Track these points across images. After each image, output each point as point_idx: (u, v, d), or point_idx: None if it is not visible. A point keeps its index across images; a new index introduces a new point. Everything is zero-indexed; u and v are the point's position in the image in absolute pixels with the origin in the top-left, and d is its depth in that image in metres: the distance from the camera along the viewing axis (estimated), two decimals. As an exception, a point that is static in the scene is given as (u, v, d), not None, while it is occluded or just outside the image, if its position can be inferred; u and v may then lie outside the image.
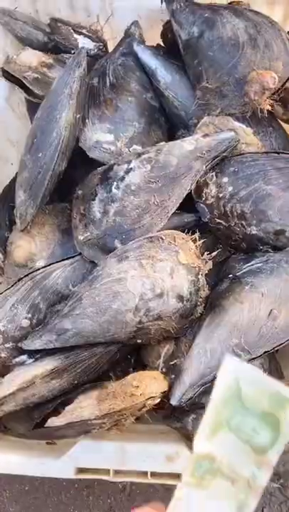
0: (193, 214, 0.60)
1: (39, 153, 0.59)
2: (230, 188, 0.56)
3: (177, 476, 0.52)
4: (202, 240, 0.56)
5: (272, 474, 0.48)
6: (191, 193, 0.58)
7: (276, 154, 0.57)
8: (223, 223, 0.57)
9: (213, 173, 0.57)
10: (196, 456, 0.35)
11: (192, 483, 0.35)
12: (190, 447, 0.53)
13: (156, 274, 0.53)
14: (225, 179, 0.57)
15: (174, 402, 0.51)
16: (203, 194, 0.58)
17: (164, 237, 0.54)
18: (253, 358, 0.52)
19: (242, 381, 0.35)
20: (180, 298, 0.54)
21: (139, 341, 0.55)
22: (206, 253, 0.57)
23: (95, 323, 0.53)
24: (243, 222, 0.56)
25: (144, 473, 0.52)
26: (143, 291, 0.52)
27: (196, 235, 0.56)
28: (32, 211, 0.59)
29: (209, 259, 0.57)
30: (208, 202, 0.58)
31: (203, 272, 0.56)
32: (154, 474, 0.52)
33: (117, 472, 0.52)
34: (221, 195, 0.57)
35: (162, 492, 0.70)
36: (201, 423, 0.35)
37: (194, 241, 0.56)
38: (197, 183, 0.58)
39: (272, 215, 0.55)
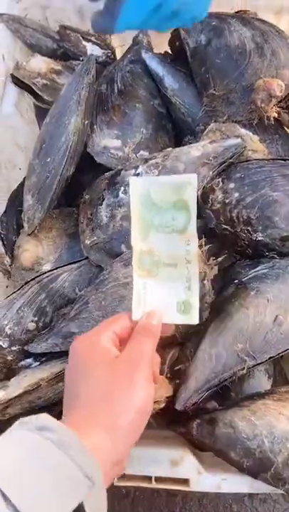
0: (199, 220, 0.60)
1: (47, 158, 0.60)
2: (236, 194, 0.57)
3: (182, 481, 0.52)
4: (208, 246, 0.56)
5: (276, 480, 0.48)
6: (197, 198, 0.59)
7: (283, 161, 0.57)
8: (229, 229, 0.58)
9: (220, 179, 0.58)
10: (137, 253, 0.44)
11: (144, 275, 0.44)
12: (194, 453, 0.53)
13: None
14: (231, 185, 0.57)
15: (178, 406, 0.51)
16: (210, 200, 0.58)
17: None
18: (258, 364, 0.52)
19: (150, 188, 0.43)
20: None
21: None
22: (211, 258, 0.57)
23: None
24: (249, 228, 0.56)
25: (149, 478, 0.52)
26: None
27: (202, 241, 0.56)
28: (40, 215, 0.60)
29: (215, 265, 0.57)
30: (214, 208, 0.58)
31: (208, 277, 0.56)
32: (158, 479, 0.52)
33: (121, 476, 0.52)
34: (227, 201, 0.57)
35: (166, 498, 0.70)
36: (131, 230, 0.43)
37: (200, 246, 0.56)
38: (203, 188, 0.58)
39: (279, 222, 0.56)
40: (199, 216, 0.60)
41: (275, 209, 0.56)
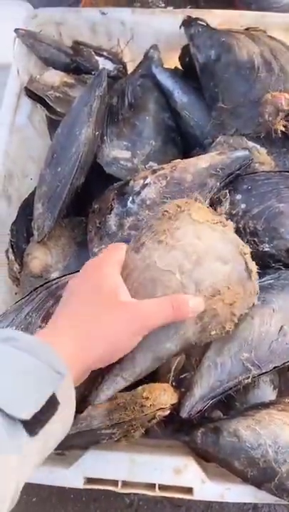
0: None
1: (58, 168, 0.61)
2: (243, 206, 0.57)
3: (185, 490, 0.52)
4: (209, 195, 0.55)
5: (280, 490, 0.48)
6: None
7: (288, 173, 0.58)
8: (236, 240, 0.58)
9: (227, 191, 0.58)
10: None
11: None
12: (198, 461, 0.53)
13: (181, 241, 0.47)
14: (238, 196, 0.58)
15: (183, 414, 0.51)
16: (217, 211, 0.59)
17: (168, 209, 0.50)
18: (263, 373, 0.52)
19: None
20: (222, 259, 0.48)
21: (212, 333, 0.48)
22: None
23: None
24: (256, 239, 0.57)
25: (152, 486, 0.52)
26: (179, 264, 0.46)
27: (196, 194, 0.53)
28: (49, 223, 0.61)
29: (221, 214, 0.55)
30: (221, 218, 0.59)
31: (229, 226, 0.51)
32: (161, 487, 0.52)
33: (124, 484, 0.52)
34: (234, 212, 0.58)
35: (170, 508, 0.70)
36: None
37: (199, 201, 0.52)
38: (211, 199, 0.59)
39: (285, 233, 0.56)
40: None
41: (281, 220, 0.56)
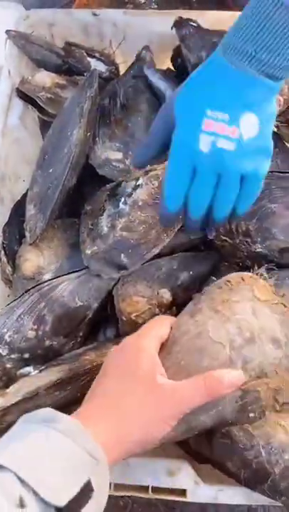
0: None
1: (50, 169, 0.61)
2: (235, 206, 0.57)
3: (179, 492, 0.52)
4: (274, 275, 0.53)
5: (273, 491, 0.48)
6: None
7: (281, 173, 0.58)
8: (229, 240, 0.58)
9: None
10: None
11: None
12: (192, 463, 0.53)
13: (238, 315, 0.47)
14: (230, 197, 0.58)
15: None
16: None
17: (230, 280, 0.50)
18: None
19: None
20: (276, 342, 0.47)
21: (251, 415, 0.47)
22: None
23: None
24: (248, 240, 0.57)
25: (145, 488, 0.52)
26: (231, 338, 0.46)
27: (263, 270, 0.52)
28: (41, 225, 0.61)
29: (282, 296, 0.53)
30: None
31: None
32: (155, 489, 0.52)
33: (118, 486, 0.52)
34: (226, 212, 0.58)
35: (164, 510, 0.69)
36: None
37: (264, 278, 0.52)
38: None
39: (277, 233, 0.56)
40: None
41: (273, 221, 0.56)
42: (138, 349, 0.45)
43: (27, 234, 0.63)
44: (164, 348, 0.47)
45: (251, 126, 0.44)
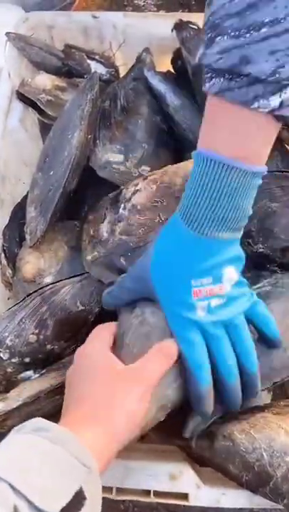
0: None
1: (50, 172, 0.61)
2: (235, 208, 0.57)
3: (181, 496, 0.51)
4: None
5: (275, 494, 0.48)
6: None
7: (279, 173, 0.58)
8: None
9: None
10: None
11: None
12: (194, 467, 0.53)
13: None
14: (230, 199, 0.57)
15: (187, 434, 0.51)
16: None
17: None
18: (263, 390, 0.52)
19: None
20: None
21: None
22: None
23: None
24: (250, 241, 0.57)
25: (147, 492, 0.52)
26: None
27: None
28: (42, 227, 0.61)
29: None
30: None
31: None
32: (156, 493, 0.52)
33: (119, 490, 0.52)
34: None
35: (165, 514, 0.69)
36: None
37: None
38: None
39: (279, 232, 0.56)
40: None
41: (275, 220, 0.56)
42: (90, 352, 0.48)
43: (27, 236, 0.63)
44: (115, 347, 0.50)
45: (232, 275, 0.47)
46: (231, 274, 0.47)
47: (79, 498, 0.35)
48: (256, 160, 0.43)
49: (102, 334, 0.50)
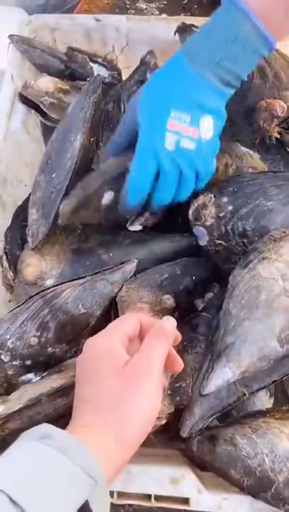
0: (193, 238, 0.61)
1: (53, 174, 0.61)
2: (230, 207, 0.57)
3: (182, 500, 0.51)
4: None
5: (276, 500, 0.48)
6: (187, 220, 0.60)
7: (273, 173, 0.59)
8: (224, 244, 0.58)
9: (211, 195, 0.58)
10: None
11: None
12: (195, 471, 0.53)
13: (284, 256, 0.53)
14: (224, 199, 0.58)
15: (184, 434, 0.51)
16: (202, 216, 0.58)
17: (273, 234, 0.55)
18: (262, 388, 0.52)
19: None
20: None
21: None
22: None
23: (253, 321, 0.50)
24: (245, 240, 0.57)
25: (148, 497, 0.52)
26: (282, 273, 0.51)
27: None
28: (44, 229, 0.60)
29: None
30: (207, 223, 0.58)
31: None
32: (158, 498, 0.51)
33: (120, 494, 0.52)
34: (221, 214, 0.57)
35: (165, 519, 0.69)
36: None
37: None
38: (196, 206, 0.59)
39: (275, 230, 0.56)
40: (188, 231, 0.61)
41: (270, 218, 0.56)
42: (101, 347, 0.43)
43: (29, 239, 0.62)
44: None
45: (208, 128, 0.51)
46: (209, 123, 0.51)
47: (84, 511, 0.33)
48: (275, 32, 0.48)
49: (122, 327, 0.45)
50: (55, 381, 0.54)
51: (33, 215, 0.62)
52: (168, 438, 0.55)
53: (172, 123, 0.50)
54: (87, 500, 0.33)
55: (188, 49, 0.50)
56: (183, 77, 0.49)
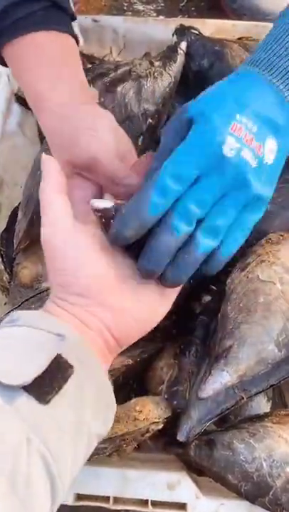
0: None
1: (38, 172, 0.60)
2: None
3: (179, 506, 0.51)
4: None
5: (274, 505, 0.48)
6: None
7: None
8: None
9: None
10: None
11: None
12: (192, 477, 0.52)
13: (282, 259, 0.52)
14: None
15: (181, 438, 0.50)
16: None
17: (271, 238, 0.56)
18: (260, 392, 0.52)
19: None
20: None
21: None
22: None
23: (251, 325, 0.50)
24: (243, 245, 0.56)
25: (145, 502, 0.51)
26: (279, 276, 0.51)
27: None
28: (23, 226, 0.60)
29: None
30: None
31: None
32: (154, 503, 0.51)
33: (117, 500, 0.51)
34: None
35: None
36: None
37: None
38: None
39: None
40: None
41: (268, 221, 0.56)
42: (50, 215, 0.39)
43: (15, 240, 0.62)
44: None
45: (271, 152, 0.39)
46: (272, 145, 0.39)
47: (60, 365, 0.32)
48: None
49: (50, 183, 0.39)
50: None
51: (20, 216, 0.62)
52: (165, 443, 0.55)
53: (237, 127, 0.37)
54: (59, 354, 0.32)
55: (256, 59, 0.41)
56: (252, 85, 0.40)
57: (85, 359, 0.34)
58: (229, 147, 0.37)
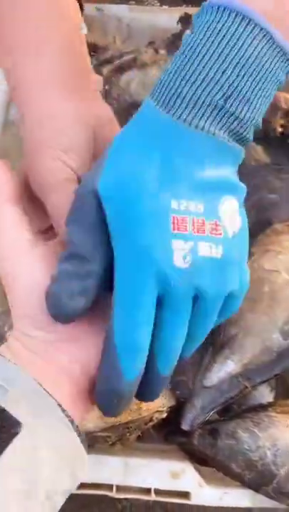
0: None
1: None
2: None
3: (182, 494, 0.51)
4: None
5: (278, 494, 0.48)
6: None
7: (278, 166, 0.58)
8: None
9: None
10: None
11: None
12: (195, 466, 0.52)
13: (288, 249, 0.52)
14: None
15: (185, 427, 0.50)
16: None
17: (277, 228, 0.56)
18: (265, 381, 0.52)
19: None
20: None
21: None
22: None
23: (256, 314, 0.50)
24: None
25: (148, 491, 0.51)
26: (285, 266, 0.52)
27: None
28: None
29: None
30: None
31: None
32: (158, 492, 0.51)
33: (119, 488, 0.51)
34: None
35: (163, 513, 0.68)
36: None
37: None
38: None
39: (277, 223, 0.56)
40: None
41: (274, 211, 0.56)
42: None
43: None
44: None
45: (233, 215, 0.29)
46: (232, 207, 0.29)
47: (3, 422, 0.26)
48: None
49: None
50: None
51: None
52: (168, 432, 0.55)
53: (177, 221, 0.27)
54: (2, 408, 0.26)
55: (162, 91, 0.28)
56: (173, 140, 0.27)
57: (43, 413, 0.28)
58: (180, 255, 0.27)
